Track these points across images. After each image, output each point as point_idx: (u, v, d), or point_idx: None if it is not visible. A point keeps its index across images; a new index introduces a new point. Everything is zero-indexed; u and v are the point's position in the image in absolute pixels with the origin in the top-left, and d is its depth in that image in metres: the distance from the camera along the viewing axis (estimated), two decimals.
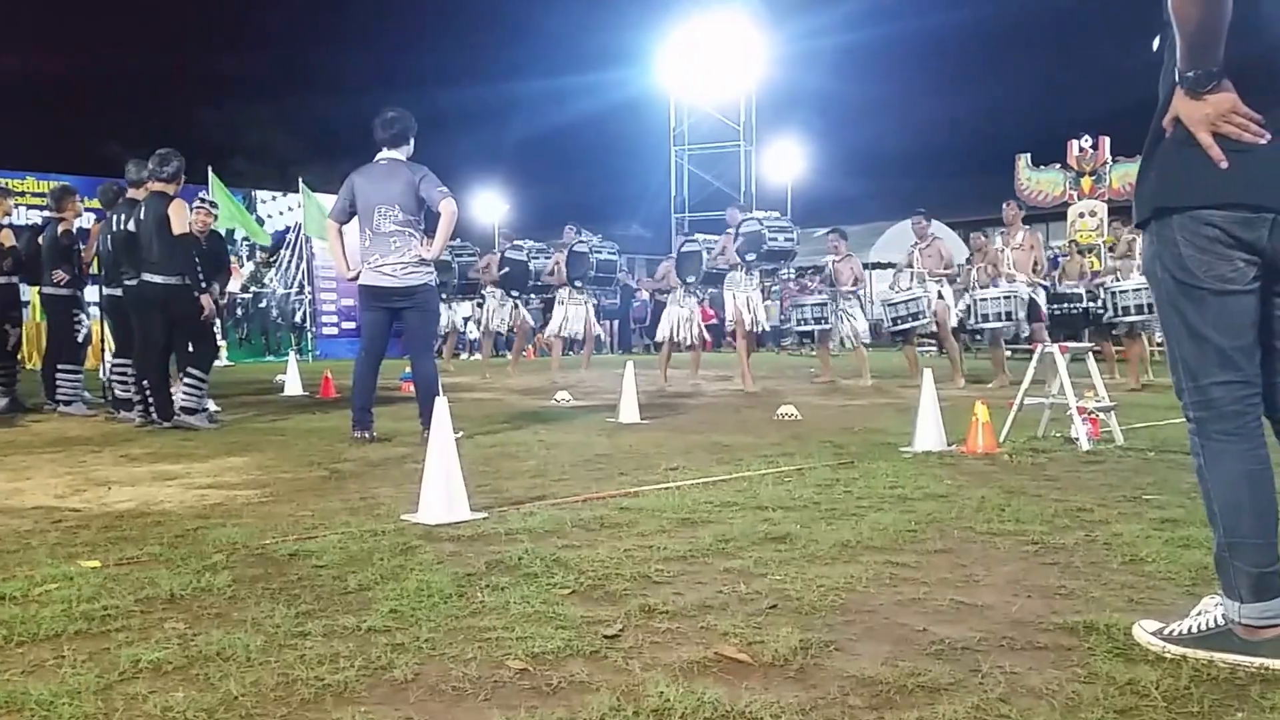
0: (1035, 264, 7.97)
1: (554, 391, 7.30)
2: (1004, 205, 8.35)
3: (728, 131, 22.05)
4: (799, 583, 2.05)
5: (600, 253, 9.39)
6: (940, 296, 8.29)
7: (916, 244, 8.61)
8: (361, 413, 4.64)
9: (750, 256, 7.69)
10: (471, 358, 15.95)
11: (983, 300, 7.86)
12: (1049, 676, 1.53)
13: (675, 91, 22.01)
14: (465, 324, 15.11)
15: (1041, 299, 7.96)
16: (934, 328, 8.50)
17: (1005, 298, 7.72)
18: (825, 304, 8.97)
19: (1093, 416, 4.25)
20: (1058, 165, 17.28)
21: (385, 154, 4.69)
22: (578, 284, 9.52)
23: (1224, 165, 1.43)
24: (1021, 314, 7.72)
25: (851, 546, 2.38)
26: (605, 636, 1.72)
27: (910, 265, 8.69)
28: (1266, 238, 1.47)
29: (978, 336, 9.18)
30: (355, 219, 4.76)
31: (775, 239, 7.70)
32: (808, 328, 9.33)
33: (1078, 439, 4.13)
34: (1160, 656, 1.59)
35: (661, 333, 8.88)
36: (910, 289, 8.37)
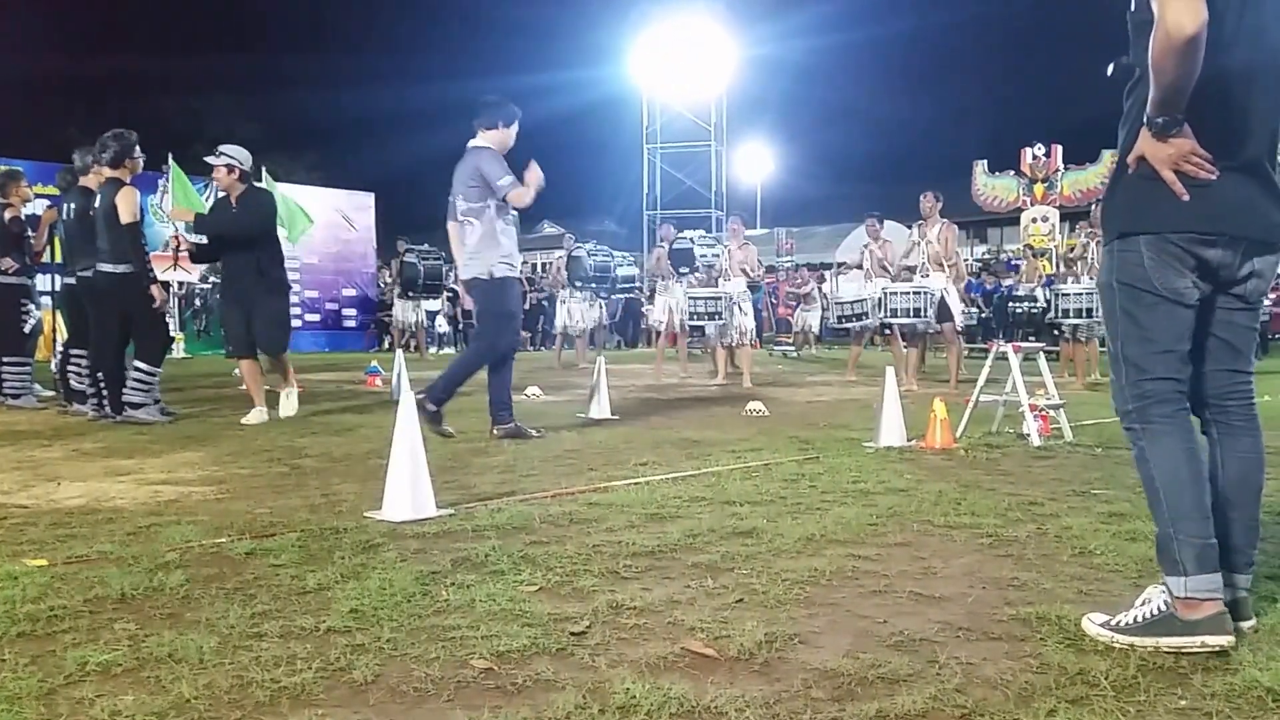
0: (950, 259, 7.53)
1: (524, 387, 7.26)
2: (921, 195, 7.49)
3: (699, 131, 22.17)
4: (764, 577, 2.08)
5: (596, 256, 10.67)
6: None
7: (869, 244, 8.69)
8: (494, 409, 4.50)
9: (683, 270, 8.81)
10: (442, 352, 15.79)
11: (892, 294, 7.43)
12: (1003, 667, 1.57)
13: (648, 91, 22.05)
14: (433, 320, 15.18)
15: (954, 297, 7.51)
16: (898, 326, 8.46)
17: (916, 293, 7.30)
18: (720, 298, 7.98)
19: (1043, 414, 4.38)
20: (1012, 172, 17.72)
21: (472, 141, 4.56)
22: (577, 284, 10.62)
23: (1185, 199, 1.63)
24: (932, 311, 7.30)
25: (815, 540, 2.41)
26: (572, 634, 1.72)
27: (861, 265, 8.81)
28: (1219, 256, 1.70)
29: (886, 331, 8.75)
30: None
31: (704, 254, 8.66)
32: (699, 323, 8.24)
33: (1029, 435, 4.25)
34: (1109, 647, 1.65)
35: (657, 318, 9.35)
36: (858, 290, 8.47)
